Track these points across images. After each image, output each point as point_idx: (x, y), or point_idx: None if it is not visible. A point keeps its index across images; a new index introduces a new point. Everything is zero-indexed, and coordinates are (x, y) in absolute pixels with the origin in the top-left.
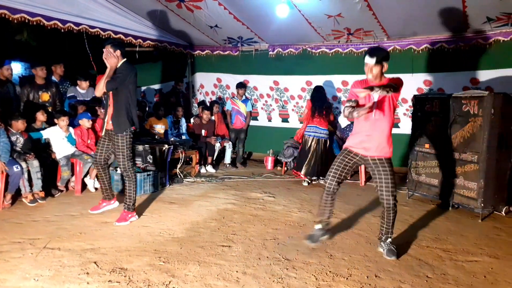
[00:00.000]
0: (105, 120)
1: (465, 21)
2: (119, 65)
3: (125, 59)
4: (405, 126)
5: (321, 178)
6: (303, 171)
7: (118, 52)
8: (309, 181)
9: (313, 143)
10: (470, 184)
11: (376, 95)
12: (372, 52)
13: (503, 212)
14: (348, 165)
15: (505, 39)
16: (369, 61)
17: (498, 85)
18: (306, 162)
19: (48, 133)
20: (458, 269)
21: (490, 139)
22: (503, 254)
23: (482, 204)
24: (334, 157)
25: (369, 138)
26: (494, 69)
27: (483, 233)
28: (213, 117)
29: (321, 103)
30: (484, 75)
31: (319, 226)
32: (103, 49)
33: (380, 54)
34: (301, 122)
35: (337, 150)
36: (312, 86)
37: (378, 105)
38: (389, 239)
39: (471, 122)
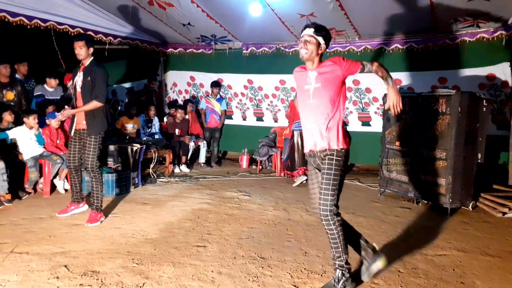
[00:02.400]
0: (74, 120)
1: (433, 22)
2: (87, 63)
3: (92, 58)
4: (376, 124)
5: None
6: (299, 163)
7: (91, 50)
8: (307, 176)
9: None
10: (439, 180)
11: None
12: (311, 24)
13: (470, 207)
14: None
15: (471, 40)
16: (307, 31)
17: (465, 84)
18: (299, 155)
19: (15, 133)
20: (428, 263)
21: (458, 136)
22: (471, 247)
23: (451, 200)
24: None
25: (311, 129)
26: (461, 69)
27: (452, 227)
28: (186, 116)
29: None
30: (452, 74)
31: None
32: (75, 44)
33: (321, 27)
34: (276, 121)
35: None
36: (286, 85)
37: (317, 82)
38: (340, 271)
39: (439, 120)
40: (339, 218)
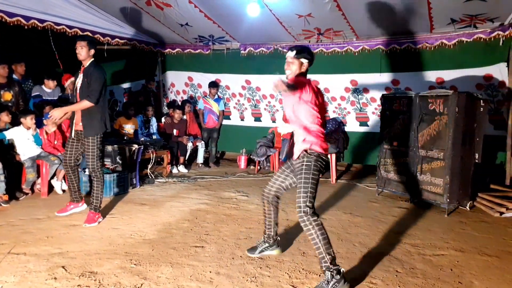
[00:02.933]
0: (73, 121)
1: (430, 22)
2: (87, 64)
3: (92, 59)
4: (374, 125)
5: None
6: None
7: (92, 52)
8: None
9: None
10: (436, 180)
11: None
12: (294, 47)
13: (467, 207)
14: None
15: (468, 40)
16: (289, 54)
17: (462, 84)
18: None
19: (12, 134)
20: (426, 263)
21: (455, 136)
22: (468, 247)
23: (448, 200)
24: None
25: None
26: (458, 69)
27: (449, 227)
28: (184, 117)
29: None
30: (449, 74)
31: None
32: (77, 43)
33: (302, 50)
34: (274, 121)
35: None
36: None
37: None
38: (329, 272)
39: (437, 120)
40: (315, 218)
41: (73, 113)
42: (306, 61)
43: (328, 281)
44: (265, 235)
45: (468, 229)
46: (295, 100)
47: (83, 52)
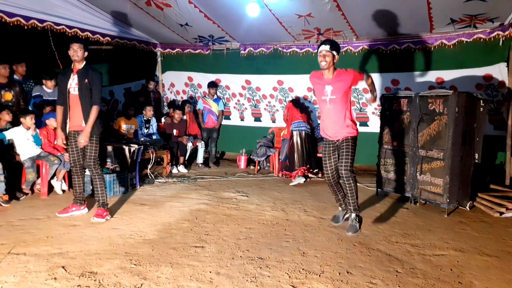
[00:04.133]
0: (67, 122)
1: (430, 22)
2: (81, 66)
3: (85, 62)
4: (374, 125)
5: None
6: (298, 164)
7: (85, 54)
8: (305, 177)
9: (302, 135)
10: (436, 180)
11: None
12: (326, 40)
13: (467, 207)
14: (333, 152)
15: (468, 40)
16: (324, 47)
17: (462, 84)
18: (299, 155)
19: (12, 134)
20: (426, 263)
21: (455, 136)
22: (468, 247)
23: (448, 200)
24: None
25: (331, 124)
26: (458, 69)
27: (449, 227)
28: (184, 117)
29: (299, 104)
30: (449, 74)
31: (339, 209)
32: (73, 45)
33: (334, 43)
34: (273, 122)
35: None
36: (284, 86)
37: (332, 94)
38: (355, 213)
39: (436, 120)
40: (354, 175)
41: (65, 114)
42: (337, 54)
43: (355, 218)
44: (343, 206)
45: (468, 229)
46: (347, 87)
47: (80, 54)
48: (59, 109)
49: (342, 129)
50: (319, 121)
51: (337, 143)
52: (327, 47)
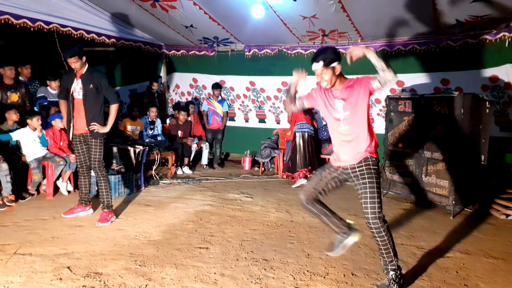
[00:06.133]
0: (72, 125)
1: (436, 23)
2: (84, 71)
3: (87, 65)
4: (379, 126)
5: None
6: (300, 165)
7: (84, 59)
8: (307, 179)
9: (305, 137)
10: (442, 182)
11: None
12: (316, 56)
13: (473, 209)
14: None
15: (474, 41)
16: (316, 66)
17: (467, 86)
18: (301, 157)
19: (18, 135)
20: (432, 265)
21: (460, 138)
22: (474, 249)
23: (454, 202)
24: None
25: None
26: (463, 70)
27: (455, 229)
28: (189, 118)
29: None
30: (454, 76)
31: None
32: (68, 60)
33: (327, 56)
34: (278, 123)
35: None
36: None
37: (345, 110)
38: (394, 273)
39: (442, 122)
40: (387, 224)
41: (69, 118)
42: (336, 63)
43: (393, 281)
44: (337, 230)
45: (474, 232)
46: (365, 99)
47: (78, 65)
48: (63, 103)
49: (359, 154)
50: (324, 122)
51: (349, 170)
52: (320, 64)
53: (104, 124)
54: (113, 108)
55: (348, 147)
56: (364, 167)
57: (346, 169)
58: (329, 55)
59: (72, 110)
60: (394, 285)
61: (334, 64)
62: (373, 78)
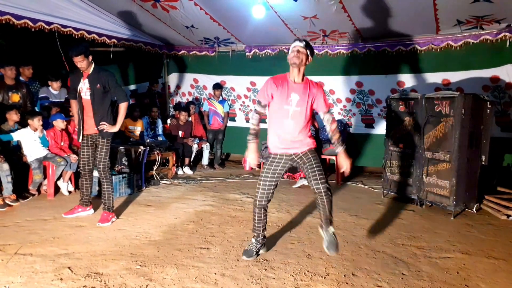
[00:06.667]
0: (82, 126)
1: (436, 23)
2: (91, 70)
3: (93, 64)
4: (380, 127)
5: None
6: None
7: (90, 58)
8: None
9: None
10: (442, 182)
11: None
12: (300, 39)
13: (474, 210)
14: (281, 169)
15: (474, 41)
16: (298, 43)
17: (468, 86)
18: None
19: (19, 135)
20: (432, 265)
21: (461, 138)
22: (475, 250)
23: (454, 202)
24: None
25: (287, 140)
26: (464, 71)
27: (456, 230)
28: (190, 118)
29: None
30: (455, 76)
31: (253, 241)
32: (74, 59)
33: (309, 44)
34: None
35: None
36: None
37: (297, 106)
38: (333, 229)
39: (443, 122)
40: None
41: (83, 118)
42: (311, 55)
43: (335, 234)
44: (261, 237)
45: (475, 232)
46: (312, 103)
47: (84, 64)
48: (74, 103)
49: (303, 144)
50: (324, 123)
51: (294, 156)
52: (302, 43)
53: (113, 123)
54: (122, 107)
55: (290, 139)
56: (309, 153)
57: (290, 156)
58: (310, 46)
59: (82, 110)
60: (336, 239)
61: (309, 53)
62: (327, 109)
